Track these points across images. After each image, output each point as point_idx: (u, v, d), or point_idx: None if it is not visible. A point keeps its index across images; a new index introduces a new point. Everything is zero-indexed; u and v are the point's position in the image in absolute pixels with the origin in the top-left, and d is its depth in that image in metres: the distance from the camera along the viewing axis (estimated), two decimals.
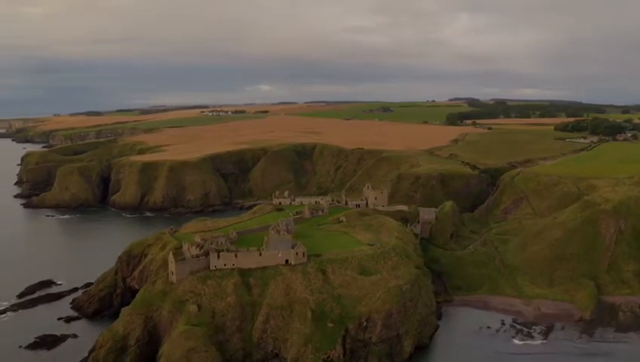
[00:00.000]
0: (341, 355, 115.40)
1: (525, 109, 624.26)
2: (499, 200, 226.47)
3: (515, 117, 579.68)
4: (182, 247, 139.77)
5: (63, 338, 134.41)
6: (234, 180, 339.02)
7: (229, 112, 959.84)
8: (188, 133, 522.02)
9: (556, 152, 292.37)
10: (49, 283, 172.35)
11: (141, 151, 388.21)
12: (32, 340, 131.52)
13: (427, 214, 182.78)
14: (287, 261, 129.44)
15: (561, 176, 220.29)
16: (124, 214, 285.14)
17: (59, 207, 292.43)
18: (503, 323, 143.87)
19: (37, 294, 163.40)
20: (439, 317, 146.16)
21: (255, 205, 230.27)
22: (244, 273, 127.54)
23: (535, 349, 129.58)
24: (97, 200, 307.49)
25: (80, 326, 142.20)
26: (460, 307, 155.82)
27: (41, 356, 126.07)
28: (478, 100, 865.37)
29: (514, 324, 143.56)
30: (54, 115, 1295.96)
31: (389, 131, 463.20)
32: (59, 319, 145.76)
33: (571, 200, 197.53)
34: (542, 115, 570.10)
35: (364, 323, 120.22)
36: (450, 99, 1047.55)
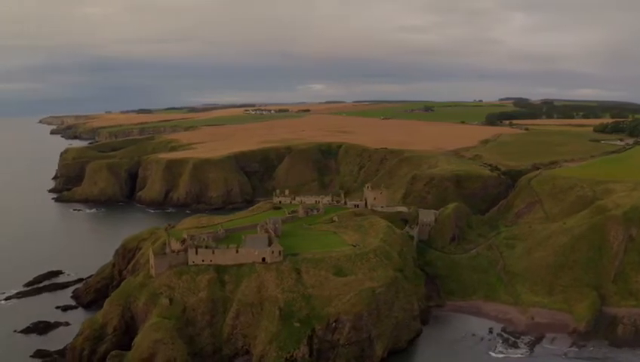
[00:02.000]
0: (306, 355, 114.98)
1: (571, 110, 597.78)
2: (512, 203, 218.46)
3: (558, 117, 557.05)
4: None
5: (55, 325, 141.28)
6: (258, 178, 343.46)
7: (272, 111, 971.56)
8: (223, 131, 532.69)
9: (585, 154, 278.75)
10: (57, 273, 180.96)
11: (172, 149, 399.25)
12: (26, 325, 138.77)
13: (426, 216, 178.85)
14: (263, 259, 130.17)
15: (580, 179, 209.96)
16: (148, 210, 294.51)
17: (87, 202, 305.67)
18: (491, 331, 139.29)
19: (44, 283, 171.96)
20: (426, 321, 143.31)
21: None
22: (220, 269, 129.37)
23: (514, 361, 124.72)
24: (124, 195, 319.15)
25: (74, 315, 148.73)
26: (450, 312, 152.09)
27: (31, 340, 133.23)
28: (526, 100, 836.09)
29: (502, 333, 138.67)
30: (106, 112, 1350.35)
31: (422, 131, 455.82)
32: (57, 307, 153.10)
33: (585, 205, 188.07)
34: (585, 116, 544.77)
35: (333, 325, 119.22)
36: (501, 99, 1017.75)
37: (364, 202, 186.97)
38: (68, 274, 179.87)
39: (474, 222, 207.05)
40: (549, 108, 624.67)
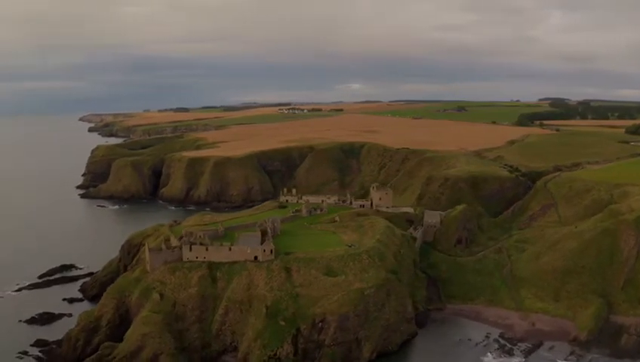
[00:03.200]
0: (290, 354, 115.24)
1: (606, 110, 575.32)
2: (527, 205, 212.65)
3: (592, 118, 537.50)
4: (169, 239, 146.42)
5: (58, 316, 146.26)
6: (280, 177, 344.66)
7: (305, 110, 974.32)
8: (250, 130, 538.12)
9: (611, 156, 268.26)
10: (71, 267, 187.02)
11: (198, 147, 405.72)
12: (31, 316, 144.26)
13: (431, 218, 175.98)
14: (256, 257, 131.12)
15: (598, 181, 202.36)
16: (169, 207, 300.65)
17: (112, 198, 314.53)
18: (487, 337, 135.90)
19: (56, 276, 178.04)
20: (423, 324, 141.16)
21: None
22: (213, 266, 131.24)
23: None
24: (148, 192, 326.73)
25: (79, 307, 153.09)
26: (450, 316, 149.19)
27: (34, 330, 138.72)
28: (564, 100, 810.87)
29: (499, 339, 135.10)
30: (144, 110, 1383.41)
31: (449, 131, 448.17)
32: (63, 299, 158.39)
33: (600, 209, 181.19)
34: (620, 117, 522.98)
35: (319, 325, 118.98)
36: (540, 99, 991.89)
37: (369, 202, 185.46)
38: (80, 268, 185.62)
39: (485, 225, 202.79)
40: (584, 109, 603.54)
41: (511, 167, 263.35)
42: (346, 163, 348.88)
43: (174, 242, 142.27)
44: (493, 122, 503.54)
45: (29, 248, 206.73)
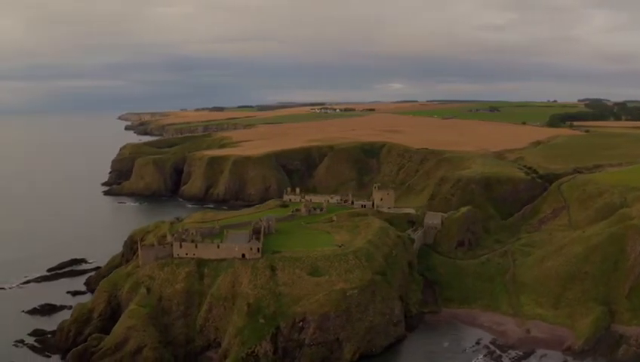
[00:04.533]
0: (269, 352, 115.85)
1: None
2: (538, 208, 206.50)
3: (627, 119, 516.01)
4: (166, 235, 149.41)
5: (60, 308, 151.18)
6: (299, 176, 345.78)
7: (337, 110, 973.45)
8: (277, 129, 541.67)
9: (637, 158, 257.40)
10: (81, 261, 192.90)
11: (223, 146, 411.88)
12: (33, 307, 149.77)
13: (432, 219, 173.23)
14: (243, 255, 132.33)
15: (613, 184, 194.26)
16: (188, 204, 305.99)
17: (134, 195, 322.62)
18: (478, 343, 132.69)
19: (65, 269, 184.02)
20: (414, 327, 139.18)
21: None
22: (201, 263, 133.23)
23: None
24: (169, 190, 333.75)
25: (80, 300, 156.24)
26: (444, 320, 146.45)
27: (34, 320, 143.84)
28: (602, 101, 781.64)
29: (489, 345, 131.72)
30: (181, 109, 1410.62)
31: (475, 131, 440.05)
32: (67, 292, 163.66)
33: (611, 213, 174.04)
34: None
35: (300, 324, 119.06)
36: (580, 100, 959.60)
37: (371, 202, 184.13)
38: (90, 263, 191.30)
39: (493, 227, 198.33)
40: (620, 110, 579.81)
41: (529, 168, 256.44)
42: (365, 163, 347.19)
43: (169, 239, 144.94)
44: (524, 123, 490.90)
45: (44, 242, 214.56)
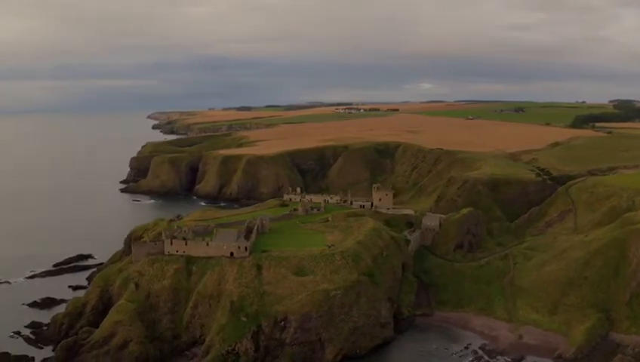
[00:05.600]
0: (250, 350, 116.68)
1: None
2: (545, 211, 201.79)
3: None
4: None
5: (59, 301, 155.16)
6: (313, 176, 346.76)
7: (361, 110, 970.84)
8: (297, 128, 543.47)
9: None
10: (87, 256, 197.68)
11: (240, 145, 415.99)
12: (34, 300, 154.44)
13: (430, 221, 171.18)
14: (232, 253, 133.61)
15: (622, 187, 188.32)
16: (201, 203, 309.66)
17: (149, 193, 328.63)
18: (466, 347, 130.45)
19: (70, 265, 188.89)
20: (404, 330, 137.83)
21: None
22: (190, 260, 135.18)
23: None
24: (184, 188, 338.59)
25: (80, 294, 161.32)
26: (436, 323, 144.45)
27: (33, 313, 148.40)
28: (631, 102, 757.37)
29: (478, 350, 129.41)
30: (209, 109, 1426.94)
31: (495, 132, 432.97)
32: (69, 287, 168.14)
33: (617, 216, 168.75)
34: None
35: (282, 323, 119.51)
36: (611, 101, 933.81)
37: (369, 203, 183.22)
38: (95, 258, 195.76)
39: (496, 230, 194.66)
40: None
41: (542, 170, 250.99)
42: (379, 163, 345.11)
43: (164, 235, 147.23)
44: (547, 124, 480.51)
45: (54, 238, 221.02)
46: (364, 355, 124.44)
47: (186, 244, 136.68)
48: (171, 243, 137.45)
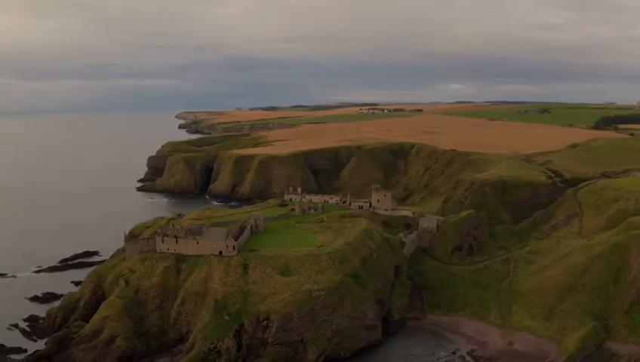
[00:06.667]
0: (232, 348, 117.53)
1: None
2: (551, 214, 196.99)
3: None
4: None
5: (59, 296, 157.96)
6: (326, 176, 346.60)
7: (385, 110, 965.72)
8: (317, 129, 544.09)
9: None
10: (93, 253, 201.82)
11: (256, 145, 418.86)
12: (35, 294, 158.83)
13: (427, 222, 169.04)
14: (221, 252, 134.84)
15: (631, 190, 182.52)
16: (213, 202, 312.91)
17: (164, 192, 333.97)
18: (454, 353, 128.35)
19: (76, 261, 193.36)
20: (393, 333, 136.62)
21: None
22: (180, 258, 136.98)
23: None
24: (198, 187, 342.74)
25: None
26: (427, 327, 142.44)
27: (33, 306, 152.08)
28: None
29: (465, 356, 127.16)
30: (236, 108, 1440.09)
31: (513, 133, 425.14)
32: (71, 282, 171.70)
33: (623, 220, 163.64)
34: None
35: (264, 323, 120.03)
36: None
37: (368, 203, 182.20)
38: (101, 255, 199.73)
39: (499, 233, 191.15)
40: None
41: (554, 172, 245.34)
42: (393, 164, 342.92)
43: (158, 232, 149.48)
44: (570, 125, 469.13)
45: (65, 234, 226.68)
46: (348, 357, 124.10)
47: (177, 242, 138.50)
48: (163, 241, 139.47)
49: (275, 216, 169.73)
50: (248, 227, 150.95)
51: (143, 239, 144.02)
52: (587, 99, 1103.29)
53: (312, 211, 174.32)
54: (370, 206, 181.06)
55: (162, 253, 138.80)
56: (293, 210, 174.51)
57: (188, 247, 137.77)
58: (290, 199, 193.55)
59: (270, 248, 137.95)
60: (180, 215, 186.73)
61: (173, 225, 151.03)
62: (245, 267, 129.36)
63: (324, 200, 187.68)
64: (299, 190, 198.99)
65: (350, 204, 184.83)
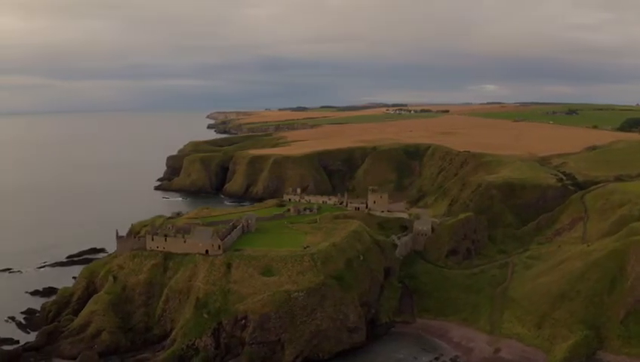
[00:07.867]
0: (210, 346, 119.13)
1: None
2: (556, 218, 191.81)
3: None
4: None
5: (58, 291, 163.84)
6: (340, 177, 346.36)
7: (412, 111, 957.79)
8: (338, 129, 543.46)
9: None
10: (100, 250, 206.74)
11: (275, 145, 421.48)
12: (36, 288, 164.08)
13: (421, 225, 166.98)
14: (207, 251, 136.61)
15: (639, 194, 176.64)
16: (226, 201, 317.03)
17: (180, 191, 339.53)
18: (437, 359, 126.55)
19: (82, 257, 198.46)
20: (379, 336, 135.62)
21: None
22: (168, 256, 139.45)
23: None
24: (214, 187, 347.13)
25: None
26: (414, 331, 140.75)
27: (33, 300, 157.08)
28: None
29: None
30: (265, 109, 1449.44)
31: (531, 134, 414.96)
32: (73, 277, 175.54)
33: (625, 226, 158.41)
34: None
35: (242, 322, 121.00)
36: None
37: (364, 204, 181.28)
38: (107, 252, 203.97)
39: (500, 237, 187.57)
40: None
41: (567, 174, 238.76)
42: (407, 165, 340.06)
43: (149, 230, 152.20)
44: (594, 126, 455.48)
45: (76, 231, 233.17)
46: (327, 359, 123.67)
47: (166, 241, 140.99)
48: (152, 240, 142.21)
49: (270, 216, 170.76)
50: (239, 226, 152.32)
51: (134, 237, 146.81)
52: (620, 101, 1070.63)
53: (307, 212, 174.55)
54: (367, 207, 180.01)
55: (152, 250, 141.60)
56: (288, 210, 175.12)
57: (176, 246, 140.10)
58: (290, 199, 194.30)
59: (255, 248, 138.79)
60: (178, 214, 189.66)
61: (166, 225, 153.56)
62: (229, 266, 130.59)
63: (322, 201, 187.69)
64: (298, 190, 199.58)
65: (347, 205, 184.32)
